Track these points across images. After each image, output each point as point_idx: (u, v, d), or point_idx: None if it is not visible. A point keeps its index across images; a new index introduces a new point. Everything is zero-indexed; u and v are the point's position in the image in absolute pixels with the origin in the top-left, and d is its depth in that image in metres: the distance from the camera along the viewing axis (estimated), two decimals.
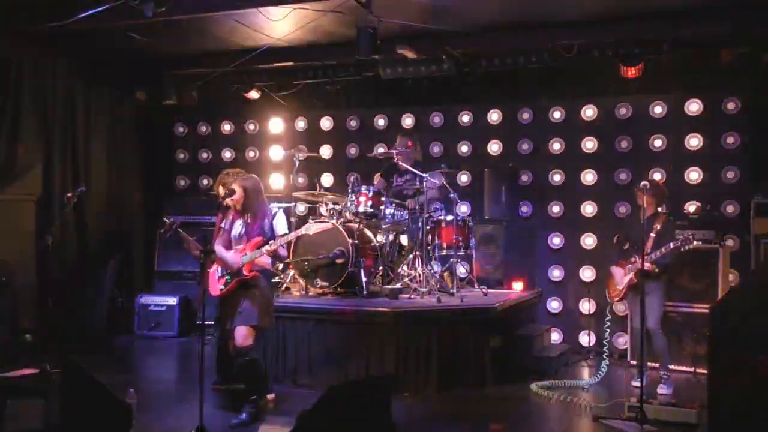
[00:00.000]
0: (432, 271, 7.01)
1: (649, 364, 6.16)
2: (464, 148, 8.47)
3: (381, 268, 7.02)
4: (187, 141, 9.77)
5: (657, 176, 7.42)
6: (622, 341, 7.36)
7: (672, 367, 6.43)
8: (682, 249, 5.63)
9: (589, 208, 7.88)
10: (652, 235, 5.83)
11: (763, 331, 3.68)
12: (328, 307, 6.22)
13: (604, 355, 6.62)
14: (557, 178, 8.04)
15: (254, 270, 5.00)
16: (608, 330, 6.69)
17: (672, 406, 5.09)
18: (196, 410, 4.44)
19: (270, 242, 4.96)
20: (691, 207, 7.20)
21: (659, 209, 6.04)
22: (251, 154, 9.41)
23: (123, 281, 8.67)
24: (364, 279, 6.65)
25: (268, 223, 5.07)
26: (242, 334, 4.93)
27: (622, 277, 6.05)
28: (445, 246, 7.03)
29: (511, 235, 7.71)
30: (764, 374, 3.57)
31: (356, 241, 6.72)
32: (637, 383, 5.73)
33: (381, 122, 8.87)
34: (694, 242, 5.65)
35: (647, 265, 5.64)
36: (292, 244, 6.89)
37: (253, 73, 8.59)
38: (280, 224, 5.17)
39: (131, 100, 9.05)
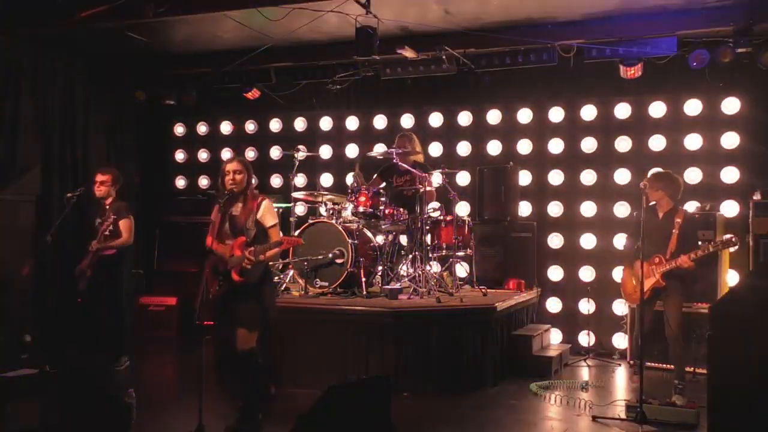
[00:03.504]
0: (431, 272, 7.01)
1: (647, 364, 6.14)
2: (464, 148, 8.47)
3: (381, 268, 7.02)
4: (186, 141, 9.78)
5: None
6: (623, 341, 7.35)
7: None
8: (723, 249, 5.48)
9: (589, 208, 7.88)
10: (675, 231, 5.57)
11: (763, 331, 3.68)
12: (328, 307, 6.22)
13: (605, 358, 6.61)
14: (557, 178, 8.04)
15: (244, 273, 4.71)
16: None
17: (672, 406, 5.09)
18: (195, 410, 4.44)
19: (249, 250, 4.64)
20: (691, 207, 7.20)
21: (675, 203, 5.74)
22: (251, 154, 9.41)
23: (125, 280, 8.65)
24: (363, 279, 6.65)
25: (253, 217, 4.74)
26: (241, 337, 4.76)
27: (645, 278, 5.61)
28: (444, 246, 7.03)
29: (511, 235, 7.71)
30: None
31: (356, 241, 6.73)
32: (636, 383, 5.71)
33: (381, 122, 8.87)
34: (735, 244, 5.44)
35: (688, 262, 5.41)
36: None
37: (252, 73, 8.59)
38: (268, 215, 4.79)
39: (131, 100, 9.06)
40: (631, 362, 6.63)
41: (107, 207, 6.65)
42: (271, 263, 5.16)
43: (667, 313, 5.63)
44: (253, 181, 5.04)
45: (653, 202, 5.78)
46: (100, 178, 6.61)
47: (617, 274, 7.39)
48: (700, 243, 5.58)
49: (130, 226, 6.57)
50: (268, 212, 4.79)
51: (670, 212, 5.69)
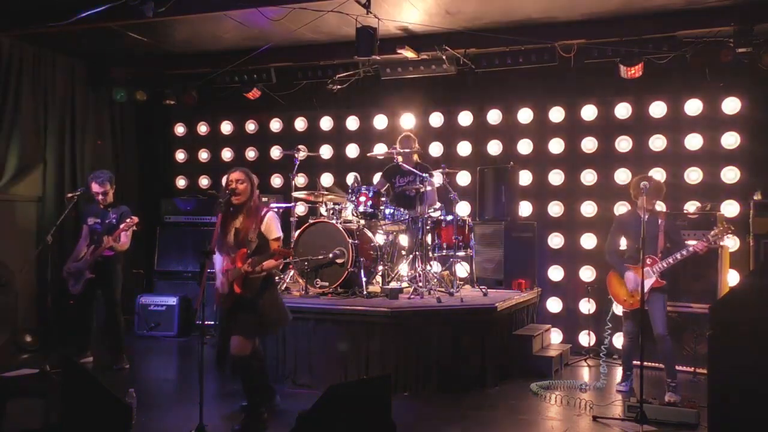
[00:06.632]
0: (432, 272, 7.00)
1: (647, 363, 6.13)
2: (464, 148, 8.47)
3: (381, 268, 7.02)
4: (186, 141, 9.78)
5: (657, 176, 7.41)
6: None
7: None
8: (723, 236, 5.65)
9: (589, 208, 7.87)
10: (660, 232, 5.76)
11: (763, 331, 3.68)
12: (328, 307, 6.22)
13: (602, 358, 6.59)
14: (557, 178, 8.04)
15: (246, 285, 4.75)
16: (609, 331, 6.64)
17: (672, 406, 5.09)
18: (196, 410, 4.45)
19: (248, 262, 4.66)
20: (691, 207, 7.21)
21: (656, 206, 5.96)
22: (251, 154, 9.41)
23: (123, 281, 8.67)
24: (364, 279, 6.65)
25: (256, 229, 4.75)
26: (236, 344, 4.80)
27: (638, 281, 5.68)
28: (445, 246, 7.03)
29: (511, 235, 7.70)
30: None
31: (356, 241, 6.73)
32: (636, 384, 5.71)
33: (381, 122, 8.87)
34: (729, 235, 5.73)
35: (704, 248, 5.61)
36: (292, 245, 6.91)
37: (253, 73, 8.59)
38: (272, 228, 4.81)
39: (131, 100, 9.06)
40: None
41: (108, 208, 6.68)
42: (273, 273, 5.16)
43: (655, 312, 5.68)
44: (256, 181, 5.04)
45: (641, 205, 5.89)
46: (101, 188, 6.63)
47: None
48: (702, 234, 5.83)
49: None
50: (272, 225, 4.82)
51: (653, 214, 5.83)
